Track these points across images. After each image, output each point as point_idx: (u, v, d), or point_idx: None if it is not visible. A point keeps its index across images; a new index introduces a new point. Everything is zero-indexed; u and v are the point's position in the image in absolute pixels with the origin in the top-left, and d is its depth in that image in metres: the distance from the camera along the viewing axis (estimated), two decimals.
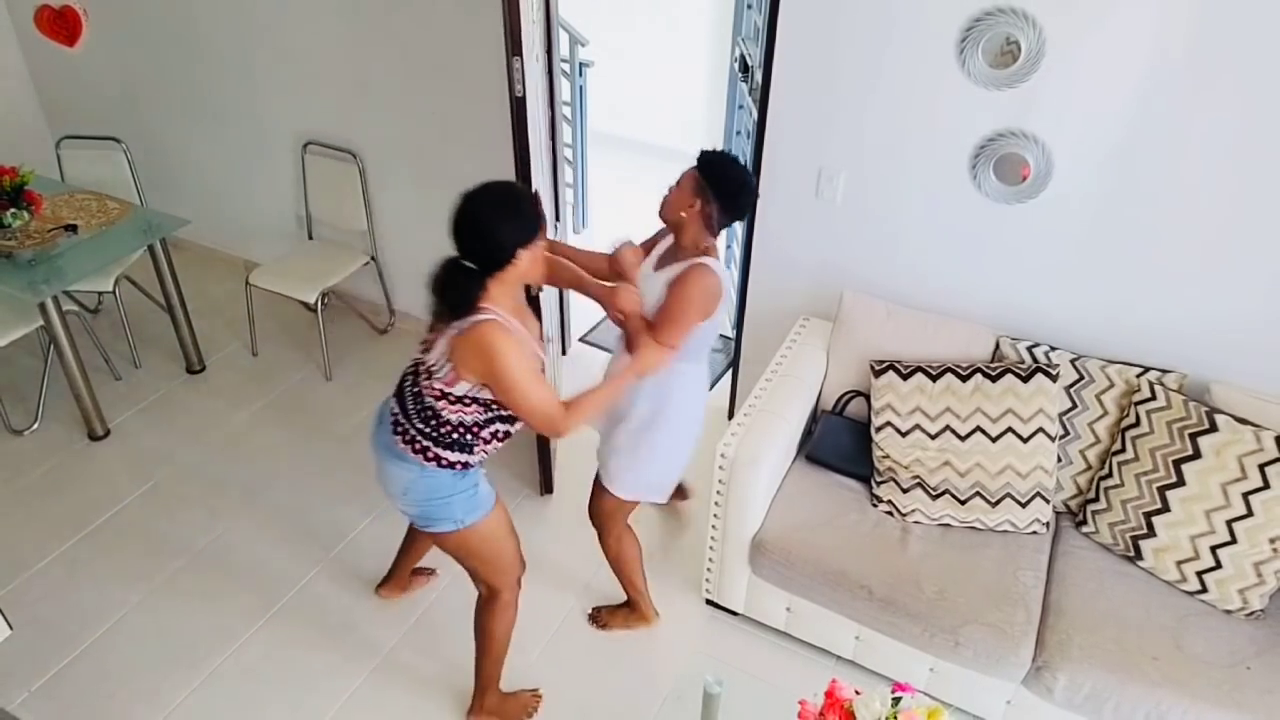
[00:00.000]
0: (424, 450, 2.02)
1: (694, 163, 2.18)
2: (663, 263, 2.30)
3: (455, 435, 2.01)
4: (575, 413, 2.02)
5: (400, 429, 2.05)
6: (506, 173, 3.33)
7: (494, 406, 2.00)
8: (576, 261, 2.37)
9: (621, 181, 5.48)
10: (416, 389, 2.03)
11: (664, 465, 2.44)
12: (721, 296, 2.19)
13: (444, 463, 2.04)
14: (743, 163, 2.20)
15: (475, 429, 2.02)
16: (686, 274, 2.17)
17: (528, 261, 1.92)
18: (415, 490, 2.08)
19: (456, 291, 1.87)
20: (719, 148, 2.19)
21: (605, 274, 2.34)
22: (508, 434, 2.10)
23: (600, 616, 2.81)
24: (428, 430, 2.01)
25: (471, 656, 2.42)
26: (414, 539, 2.71)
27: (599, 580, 2.91)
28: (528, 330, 2.02)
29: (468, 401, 1.97)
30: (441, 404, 1.97)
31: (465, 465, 2.06)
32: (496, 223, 1.85)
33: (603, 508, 2.50)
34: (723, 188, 2.14)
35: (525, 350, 1.94)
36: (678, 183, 2.21)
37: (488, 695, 2.45)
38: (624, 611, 2.78)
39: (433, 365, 1.95)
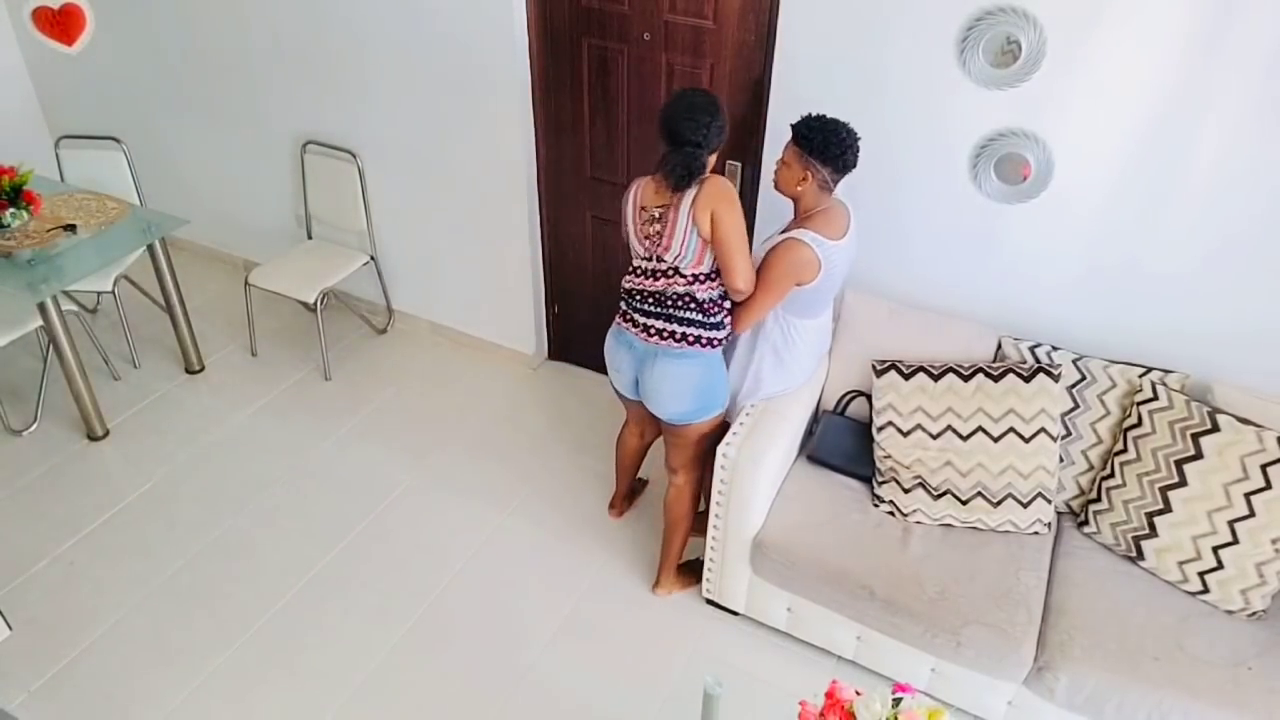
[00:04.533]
0: (698, 339, 2.35)
1: (791, 135, 2.32)
2: (784, 228, 2.44)
3: (715, 310, 2.34)
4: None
5: (667, 335, 2.36)
6: (506, 173, 3.36)
7: None
8: None
9: None
10: (656, 298, 2.34)
11: (733, 384, 2.60)
12: (813, 264, 2.32)
13: (716, 343, 2.39)
14: (835, 120, 2.29)
15: (723, 301, 2.36)
16: (775, 249, 2.35)
17: (715, 156, 2.29)
18: (706, 377, 2.41)
19: (694, 161, 2.20)
20: (812, 114, 2.32)
21: None
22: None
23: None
24: (695, 318, 2.33)
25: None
26: (630, 459, 2.99)
27: (601, 580, 2.91)
28: None
29: (714, 275, 2.31)
30: (695, 287, 2.30)
31: (725, 340, 2.41)
32: (714, 109, 2.22)
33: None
34: (826, 152, 2.28)
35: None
36: (782, 159, 2.35)
37: (671, 571, 2.83)
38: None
39: (677, 260, 2.27)
